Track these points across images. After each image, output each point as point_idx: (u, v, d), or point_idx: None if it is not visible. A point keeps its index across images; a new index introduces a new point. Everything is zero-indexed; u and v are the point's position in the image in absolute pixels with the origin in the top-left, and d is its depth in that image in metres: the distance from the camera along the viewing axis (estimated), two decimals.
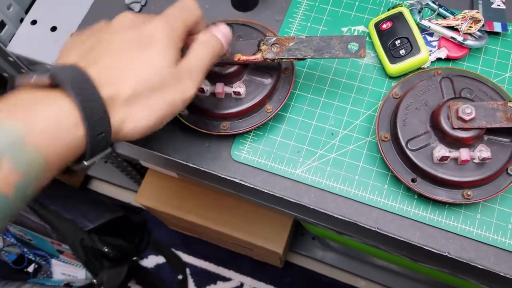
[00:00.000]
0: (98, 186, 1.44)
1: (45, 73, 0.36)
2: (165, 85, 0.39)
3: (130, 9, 0.63)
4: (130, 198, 1.40)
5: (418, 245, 0.50)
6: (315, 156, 0.54)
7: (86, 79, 0.36)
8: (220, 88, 0.51)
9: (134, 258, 1.28)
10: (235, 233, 1.02)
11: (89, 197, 1.27)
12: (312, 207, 0.52)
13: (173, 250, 1.36)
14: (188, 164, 0.55)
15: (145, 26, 0.40)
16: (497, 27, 0.56)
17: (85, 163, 0.37)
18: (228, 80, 0.52)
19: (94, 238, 1.14)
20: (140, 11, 0.63)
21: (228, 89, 0.52)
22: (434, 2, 0.57)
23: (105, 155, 0.39)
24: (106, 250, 1.16)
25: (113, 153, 0.88)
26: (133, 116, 0.38)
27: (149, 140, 0.56)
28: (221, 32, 0.46)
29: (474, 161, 0.48)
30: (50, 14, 0.66)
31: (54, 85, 0.36)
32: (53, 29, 0.65)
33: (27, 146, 0.33)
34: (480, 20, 0.54)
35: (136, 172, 1.19)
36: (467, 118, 0.46)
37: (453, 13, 0.56)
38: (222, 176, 0.54)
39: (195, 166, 0.55)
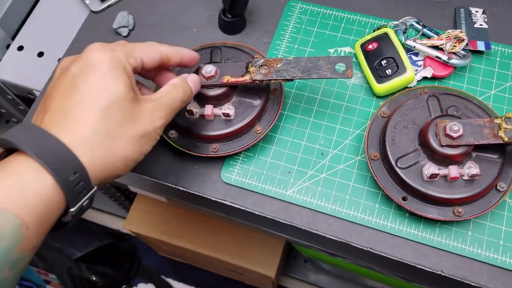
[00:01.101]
0: (86, 213, 1.41)
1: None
2: (129, 115, 0.38)
3: (118, 33, 0.63)
4: (118, 224, 1.38)
5: (411, 264, 0.50)
6: (306, 176, 0.54)
7: (37, 130, 0.35)
8: (209, 110, 0.51)
9: (124, 287, 1.26)
10: (226, 258, 1.01)
11: (77, 225, 1.25)
12: (304, 228, 0.52)
13: (163, 277, 1.34)
14: (178, 187, 0.54)
15: (83, 56, 0.39)
16: (480, 46, 0.57)
17: (71, 209, 0.35)
18: (217, 102, 0.52)
19: (82, 267, 1.12)
20: (127, 36, 0.63)
21: (218, 111, 0.52)
22: (418, 23, 0.58)
23: (93, 196, 0.38)
24: (94, 278, 1.14)
25: None
26: (109, 151, 0.37)
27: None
28: (193, 82, 0.47)
29: (464, 178, 0.48)
30: (37, 40, 0.66)
31: (11, 149, 0.35)
32: (40, 54, 0.65)
33: None
34: (463, 40, 0.55)
35: (124, 198, 1.17)
36: (455, 135, 0.47)
37: (437, 33, 0.58)
38: (213, 199, 0.54)
39: (185, 189, 0.54)
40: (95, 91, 0.37)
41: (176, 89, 0.44)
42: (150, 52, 0.43)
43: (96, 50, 0.39)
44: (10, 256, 0.31)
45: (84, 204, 0.37)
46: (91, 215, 1.41)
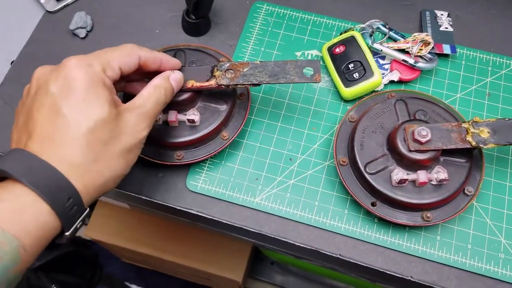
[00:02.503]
0: None
1: None
2: (113, 132, 0.38)
3: (75, 35, 0.60)
4: (80, 231, 1.33)
5: (381, 270, 0.49)
6: (274, 183, 0.52)
7: (31, 158, 0.35)
8: (173, 116, 0.49)
9: None
10: (192, 264, 0.99)
11: None
12: (273, 236, 0.50)
13: (127, 284, 1.30)
14: (140, 196, 0.52)
15: (61, 74, 0.38)
16: (446, 49, 0.57)
17: (66, 234, 0.36)
18: (182, 107, 0.50)
19: (40, 276, 1.07)
20: (85, 37, 0.60)
21: (182, 117, 0.50)
22: (384, 26, 0.58)
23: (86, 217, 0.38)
24: None
25: None
26: (98, 172, 0.37)
27: None
28: (175, 79, 0.45)
29: (432, 182, 0.48)
30: None
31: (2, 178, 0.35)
32: None
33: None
34: (430, 43, 0.55)
35: None
36: (423, 140, 0.46)
37: (403, 36, 0.57)
38: (178, 208, 0.52)
39: (149, 199, 0.52)
40: (78, 114, 0.37)
41: (158, 91, 0.42)
42: (128, 58, 0.42)
43: (73, 68, 0.38)
44: (8, 276, 0.32)
45: (78, 225, 0.37)
46: None
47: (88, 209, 0.37)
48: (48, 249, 1.02)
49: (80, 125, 0.36)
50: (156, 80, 0.43)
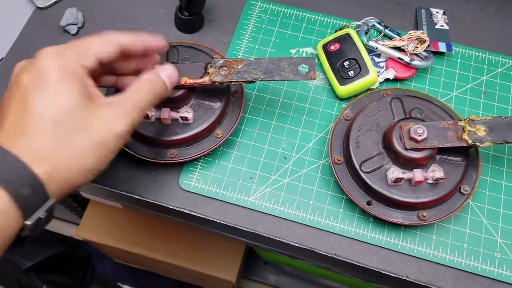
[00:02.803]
0: None
1: None
2: (82, 124, 0.36)
3: (66, 31, 0.59)
4: (71, 231, 1.32)
5: (376, 269, 0.49)
6: (269, 181, 0.52)
7: None
8: (166, 113, 0.49)
9: None
10: (185, 264, 0.98)
11: None
12: (267, 235, 0.50)
13: (120, 284, 1.29)
14: (133, 195, 0.51)
15: (34, 64, 0.37)
16: (442, 47, 0.56)
17: (27, 223, 0.34)
18: (175, 104, 0.49)
19: (32, 277, 1.06)
20: (76, 34, 0.59)
21: (175, 114, 0.49)
22: (380, 23, 0.57)
23: (52, 209, 0.36)
24: None
25: None
26: (62, 162, 0.36)
27: None
28: (167, 74, 0.43)
29: (428, 181, 0.47)
30: None
31: None
32: None
33: None
34: (425, 41, 0.55)
35: (76, 204, 1.12)
36: (419, 138, 0.46)
37: (398, 34, 0.57)
38: (171, 207, 0.51)
39: (141, 198, 0.51)
40: (45, 104, 0.36)
41: (143, 86, 0.41)
42: (105, 46, 0.40)
43: (47, 58, 0.37)
44: None
45: (42, 216, 0.35)
46: None
47: (53, 201, 0.36)
48: (39, 249, 1.00)
49: (47, 115, 0.35)
50: (144, 75, 0.42)
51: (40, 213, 0.35)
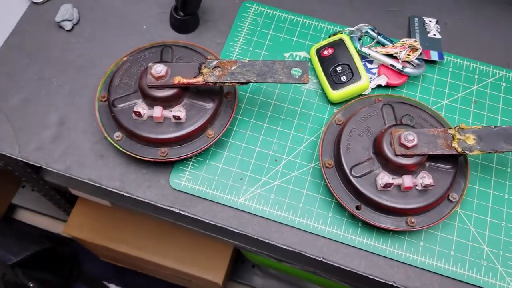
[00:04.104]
0: (24, 216, 1.33)
1: None
2: None
3: (61, 27, 0.59)
4: (58, 228, 1.31)
5: (364, 274, 0.49)
6: (259, 183, 0.52)
7: None
8: (158, 112, 0.49)
9: None
10: (172, 264, 0.98)
11: (13, 228, 1.18)
12: (256, 237, 0.50)
13: (105, 283, 1.28)
14: (122, 193, 0.51)
15: None
16: (433, 55, 0.57)
17: None
18: (167, 103, 0.49)
19: (18, 273, 1.05)
20: (71, 30, 0.59)
21: (167, 113, 0.49)
22: (373, 30, 0.58)
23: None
24: (31, 285, 1.07)
25: (40, 180, 0.81)
26: None
27: (78, 166, 0.52)
28: None
29: (417, 188, 0.48)
30: None
31: None
32: None
33: None
34: (418, 49, 0.55)
35: (65, 201, 1.11)
36: (409, 144, 0.46)
37: (391, 41, 0.57)
38: (160, 206, 0.51)
39: (130, 195, 0.51)
40: None
41: None
42: None
43: None
44: None
45: None
46: (29, 218, 1.33)
47: None
48: (25, 245, 0.99)
49: None
50: None
51: None
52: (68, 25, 0.59)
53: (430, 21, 0.60)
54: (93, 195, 0.80)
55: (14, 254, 1.06)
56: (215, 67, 0.48)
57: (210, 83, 0.47)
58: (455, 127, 0.47)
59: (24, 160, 0.52)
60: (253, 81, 0.47)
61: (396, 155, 0.47)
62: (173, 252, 0.99)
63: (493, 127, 0.47)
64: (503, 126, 0.47)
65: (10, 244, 1.07)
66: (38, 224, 1.33)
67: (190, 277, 1.02)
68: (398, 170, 0.48)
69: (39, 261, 1.12)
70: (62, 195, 1.09)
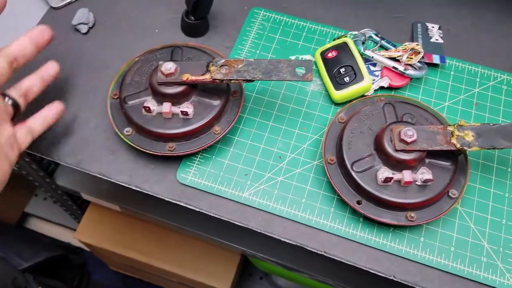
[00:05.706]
0: (36, 225, 1.36)
1: None
2: None
3: (77, 30, 0.62)
4: (69, 237, 1.33)
5: (365, 268, 0.50)
6: (263, 179, 0.53)
7: None
8: (167, 108, 0.51)
9: None
10: (180, 271, 0.98)
11: (25, 235, 1.20)
12: (259, 230, 0.51)
13: None
14: (130, 186, 0.53)
15: None
16: (435, 59, 0.59)
17: None
18: (176, 100, 0.51)
19: (28, 278, 1.06)
20: (87, 33, 0.62)
21: (176, 109, 0.51)
22: (376, 35, 0.60)
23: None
24: None
25: (53, 185, 0.84)
26: None
27: (89, 160, 0.54)
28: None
29: (417, 183, 0.49)
30: None
31: None
32: None
33: None
34: (420, 52, 0.57)
35: (77, 207, 1.13)
36: (409, 140, 0.48)
37: (394, 46, 0.59)
38: (167, 199, 0.52)
39: (138, 189, 0.53)
40: None
41: None
42: None
43: None
44: None
45: None
46: (41, 226, 1.35)
47: None
48: (36, 251, 1.01)
49: None
50: None
51: None
52: (84, 28, 0.62)
53: (433, 27, 0.62)
54: (103, 198, 0.82)
55: (25, 259, 1.08)
56: (222, 65, 0.50)
57: (217, 80, 0.49)
58: (454, 124, 0.49)
59: (37, 154, 0.54)
60: (258, 78, 0.49)
61: (396, 151, 0.48)
62: (181, 259, 1.00)
63: (492, 124, 0.48)
64: (502, 124, 0.48)
65: (21, 250, 1.09)
66: (49, 233, 1.35)
67: (197, 285, 1.03)
68: (398, 165, 0.49)
69: (49, 268, 1.14)
70: (74, 201, 1.11)
